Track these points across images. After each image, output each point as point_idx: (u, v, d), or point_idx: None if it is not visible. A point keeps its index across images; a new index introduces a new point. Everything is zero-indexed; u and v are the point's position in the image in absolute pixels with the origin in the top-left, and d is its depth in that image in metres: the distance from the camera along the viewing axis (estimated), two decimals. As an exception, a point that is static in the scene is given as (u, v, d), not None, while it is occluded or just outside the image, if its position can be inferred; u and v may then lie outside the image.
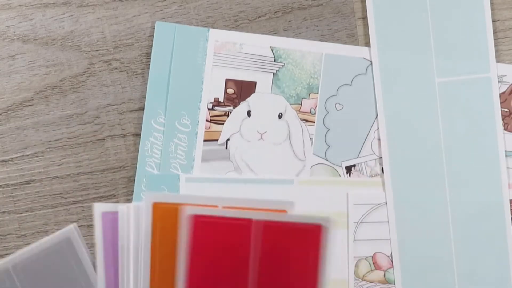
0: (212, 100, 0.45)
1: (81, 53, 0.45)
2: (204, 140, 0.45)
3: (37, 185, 0.45)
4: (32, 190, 0.45)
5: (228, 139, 0.45)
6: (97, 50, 0.45)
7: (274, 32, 0.45)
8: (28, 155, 0.45)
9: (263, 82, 0.45)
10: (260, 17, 0.45)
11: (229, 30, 0.45)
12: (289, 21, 0.45)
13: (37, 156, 0.45)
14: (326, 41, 0.45)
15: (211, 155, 0.45)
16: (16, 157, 0.45)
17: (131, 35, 0.45)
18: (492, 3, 0.45)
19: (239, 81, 0.45)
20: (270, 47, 0.45)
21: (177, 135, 0.44)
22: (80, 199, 0.45)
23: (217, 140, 0.45)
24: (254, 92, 0.45)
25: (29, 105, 0.45)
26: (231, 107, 0.45)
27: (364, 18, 0.45)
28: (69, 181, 0.45)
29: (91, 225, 0.45)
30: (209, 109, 0.45)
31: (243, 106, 0.45)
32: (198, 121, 0.45)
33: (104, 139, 0.45)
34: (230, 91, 0.45)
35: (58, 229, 0.45)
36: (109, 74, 0.45)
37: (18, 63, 0.45)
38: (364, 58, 0.45)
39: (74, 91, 0.45)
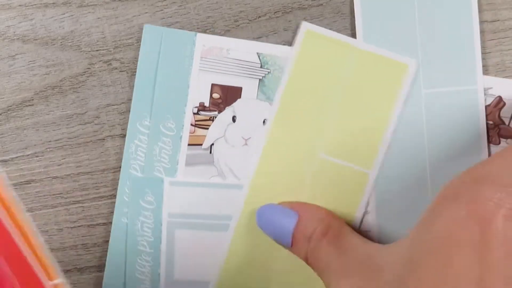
0: (198, 105, 0.45)
1: (81, 53, 0.45)
2: (189, 144, 0.45)
3: (37, 185, 0.45)
4: (32, 190, 0.45)
5: (213, 144, 0.45)
6: (97, 50, 0.45)
7: (274, 32, 0.45)
8: (28, 155, 0.45)
9: (249, 88, 0.45)
10: (260, 17, 0.45)
11: (229, 30, 0.45)
12: (289, 21, 0.45)
13: (37, 156, 0.45)
14: (326, 41, 0.45)
15: (195, 159, 0.45)
16: (16, 157, 0.45)
17: (131, 35, 0.45)
18: (492, 3, 0.45)
19: (225, 86, 0.45)
20: (257, 53, 0.44)
21: (161, 139, 0.44)
22: (80, 199, 0.45)
23: (201, 144, 0.45)
24: (240, 97, 0.45)
25: (29, 105, 0.45)
26: (216, 112, 0.45)
27: (364, 18, 0.45)
28: (69, 181, 0.45)
29: (92, 225, 0.45)
30: (194, 114, 0.45)
31: (228, 111, 0.45)
32: (183, 125, 0.44)
33: (104, 139, 0.45)
34: (215, 96, 0.45)
35: (58, 229, 0.45)
36: (109, 74, 0.45)
37: (18, 63, 0.45)
38: None
39: (74, 91, 0.45)
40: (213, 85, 0.45)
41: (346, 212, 0.44)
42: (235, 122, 0.45)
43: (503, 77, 0.45)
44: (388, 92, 0.44)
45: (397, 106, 0.44)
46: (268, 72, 0.45)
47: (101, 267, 0.45)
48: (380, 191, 0.44)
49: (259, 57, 0.45)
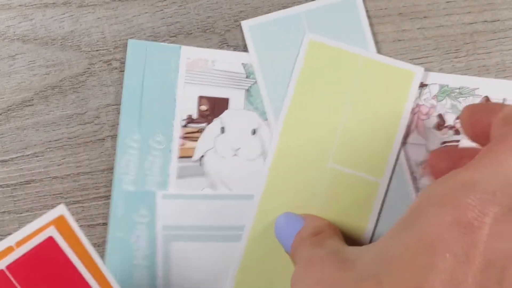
0: (186, 117, 0.45)
1: (81, 53, 0.45)
2: (179, 157, 0.44)
3: (37, 185, 0.45)
4: (32, 190, 0.45)
5: (203, 156, 0.45)
6: (97, 50, 0.45)
7: (274, 32, 0.45)
8: (28, 155, 0.45)
9: (236, 98, 0.45)
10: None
11: (229, 29, 0.45)
12: (289, 21, 0.45)
13: (37, 156, 0.45)
14: (326, 41, 0.45)
15: (186, 171, 0.45)
16: (16, 157, 0.45)
17: (131, 35, 0.45)
18: (492, 3, 0.45)
19: (212, 98, 0.45)
20: (242, 63, 0.44)
21: (151, 152, 0.44)
22: (80, 199, 0.45)
23: (191, 156, 0.45)
24: (227, 108, 0.45)
25: (29, 105, 0.45)
26: (205, 124, 0.45)
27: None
28: (69, 181, 0.45)
29: (92, 225, 0.45)
30: (182, 126, 0.45)
31: (216, 123, 0.45)
32: (172, 138, 0.44)
33: (104, 139, 0.45)
34: (203, 108, 0.45)
35: (58, 229, 0.45)
36: (109, 74, 0.45)
37: (18, 63, 0.45)
38: None
39: (74, 91, 0.45)
40: (200, 97, 0.45)
41: (357, 221, 0.44)
42: (224, 133, 0.45)
43: (503, 77, 0.45)
44: (396, 100, 0.44)
45: (405, 113, 0.44)
46: (254, 82, 0.45)
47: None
48: (391, 200, 0.44)
49: (244, 67, 0.45)
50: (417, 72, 0.44)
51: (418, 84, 0.44)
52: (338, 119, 0.44)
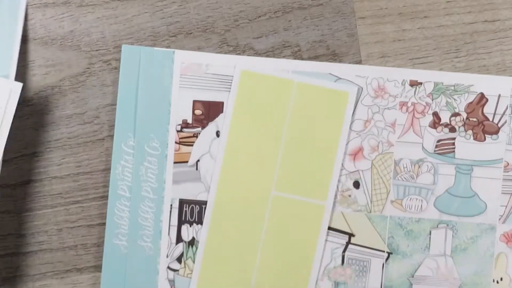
0: (181, 122, 0.45)
1: (81, 53, 0.45)
2: (174, 162, 0.44)
3: (37, 185, 0.45)
4: (32, 190, 0.45)
5: (198, 160, 0.45)
6: (97, 50, 0.45)
7: (275, 32, 0.45)
8: (28, 155, 0.45)
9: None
10: (260, 16, 0.45)
11: (229, 29, 0.45)
12: (289, 21, 0.45)
13: (37, 156, 0.45)
14: (321, 43, 0.45)
15: (182, 177, 0.44)
16: (16, 157, 0.45)
17: (131, 35, 0.45)
18: (492, 3, 0.45)
19: (206, 102, 0.45)
20: (235, 66, 0.44)
21: (147, 158, 0.44)
22: (80, 199, 0.45)
23: (187, 161, 0.45)
24: (222, 112, 0.45)
25: (29, 105, 0.45)
26: (200, 128, 0.45)
27: (364, 18, 0.45)
28: (69, 181, 0.45)
29: (91, 225, 0.45)
30: (177, 131, 0.45)
31: (211, 127, 0.45)
32: (168, 144, 0.44)
33: (104, 139, 0.45)
34: (198, 112, 0.45)
35: (57, 229, 0.45)
36: (109, 74, 0.45)
37: (18, 63, 0.45)
38: (330, 73, 0.44)
39: (74, 91, 0.45)
40: (194, 101, 0.45)
41: (305, 246, 0.44)
42: (219, 137, 0.45)
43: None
44: (332, 121, 0.44)
45: (343, 134, 0.44)
46: None
47: (100, 267, 0.45)
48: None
49: None
50: (351, 92, 0.44)
51: (353, 104, 0.44)
52: (277, 147, 0.44)
